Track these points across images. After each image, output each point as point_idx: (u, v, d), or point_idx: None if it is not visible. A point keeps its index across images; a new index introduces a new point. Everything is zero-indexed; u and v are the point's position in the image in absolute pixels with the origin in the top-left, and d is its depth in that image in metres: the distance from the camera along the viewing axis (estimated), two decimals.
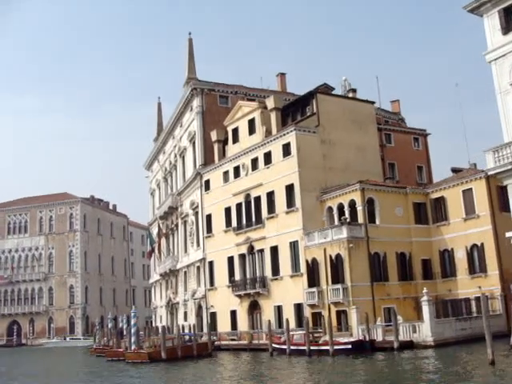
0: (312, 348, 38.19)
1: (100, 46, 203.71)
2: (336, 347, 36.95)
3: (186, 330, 57.59)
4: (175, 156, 72.64)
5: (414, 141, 61.37)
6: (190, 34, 69.38)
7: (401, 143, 60.16)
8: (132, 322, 45.86)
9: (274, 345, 41.69)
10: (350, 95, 57.41)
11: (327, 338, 38.35)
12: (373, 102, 55.92)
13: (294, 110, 53.97)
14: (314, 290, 45.10)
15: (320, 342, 39.36)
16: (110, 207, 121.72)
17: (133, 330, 45.02)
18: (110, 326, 64.75)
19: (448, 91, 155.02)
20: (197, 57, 70.23)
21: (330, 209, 48.31)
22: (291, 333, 41.26)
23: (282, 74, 68.91)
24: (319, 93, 51.96)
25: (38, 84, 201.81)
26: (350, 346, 37.03)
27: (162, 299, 77.94)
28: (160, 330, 42.80)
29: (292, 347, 39.99)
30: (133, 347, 44.33)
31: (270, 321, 43.39)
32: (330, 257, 44.55)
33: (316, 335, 40.94)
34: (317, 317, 45.09)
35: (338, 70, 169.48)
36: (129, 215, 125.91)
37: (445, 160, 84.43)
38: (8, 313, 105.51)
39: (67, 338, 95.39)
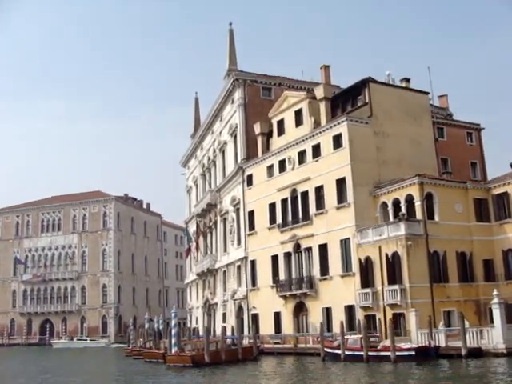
0: (370, 354, 35.05)
1: (131, 46, 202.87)
2: (398, 353, 33.77)
3: (228, 333, 54.50)
4: (214, 151, 69.96)
5: (468, 135, 57.68)
6: (230, 24, 66.96)
7: (454, 138, 56.49)
8: (172, 322, 43.15)
9: (326, 349, 38.59)
10: (403, 85, 53.92)
11: (387, 342, 35.26)
12: (427, 93, 52.63)
13: (343, 100, 50.90)
14: (368, 290, 41.91)
15: (379, 347, 36.18)
16: (144, 206, 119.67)
17: (173, 332, 42.27)
18: (146, 326, 62.07)
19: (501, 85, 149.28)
20: (236, 50, 67.47)
21: (385, 204, 45.09)
22: (345, 336, 38.18)
23: (326, 67, 65.34)
24: (372, 81, 48.73)
25: (67, 88, 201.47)
26: (413, 353, 33.81)
27: (198, 300, 75.31)
28: (203, 331, 39.95)
29: (347, 352, 36.93)
30: (173, 350, 41.56)
31: (321, 323, 40.30)
32: (386, 255, 41.32)
33: (371, 339, 37.76)
34: (370, 320, 41.93)
35: (381, 64, 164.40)
36: (162, 215, 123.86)
37: (497, 155, 79.17)
38: (41, 311, 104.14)
39: (74, 339, 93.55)
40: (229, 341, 44.86)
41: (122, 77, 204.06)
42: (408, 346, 35.12)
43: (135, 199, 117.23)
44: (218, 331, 54.24)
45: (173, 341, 41.93)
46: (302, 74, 68.79)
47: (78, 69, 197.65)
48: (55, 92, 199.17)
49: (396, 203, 44.02)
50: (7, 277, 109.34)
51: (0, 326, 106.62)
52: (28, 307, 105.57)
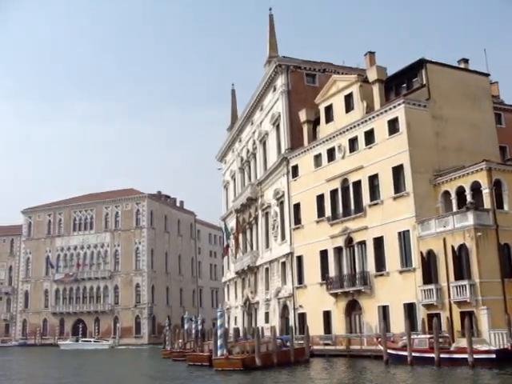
0: (442, 356, 31.46)
1: (163, 45, 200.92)
2: (475, 356, 30.14)
3: (267, 333, 50.96)
4: (254, 143, 66.72)
5: None
6: (270, 9, 63.98)
7: None
8: (218, 322, 39.86)
9: (389, 351, 35.05)
10: (462, 66, 50.11)
11: (460, 344, 31.67)
12: (487, 74, 48.81)
13: (397, 82, 47.29)
14: (432, 287, 38.18)
15: (451, 348, 32.56)
16: (177, 204, 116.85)
17: (219, 332, 38.97)
18: (186, 327, 58.87)
19: None
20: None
21: (447, 193, 41.38)
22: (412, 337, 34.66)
23: (371, 53, 61.84)
24: (429, 62, 45.04)
25: (99, 90, 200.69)
26: (493, 356, 30.22)
27: (237, 299, 72.06)
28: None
29: (414, 354, 33.44)
30: (219, 352, 38.28)
31: (383, 323, 36.58)
32: (452, 248, 37.57)
33: (440, 340, 34.13)
34: (433, 319, 38.22)
35: (426, 49, 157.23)
36: (196, 213, 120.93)
37: None
38: (73, 311, 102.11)
39: (80, 340, 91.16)
40: (279, 341, 41.55)
41: (154, 76, 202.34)
42: (485, 348, 31.49)
43: (168, 197, 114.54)
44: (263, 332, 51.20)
45: (219, 342, 38.64)
46: (344, 64, 65.39)
47: (111, 70, 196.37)
48: (87, 94, 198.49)
49: (460, 192, 40.31)
50: (39, 276, 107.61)
51: (32, 326, 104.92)
52: (60, 307, 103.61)
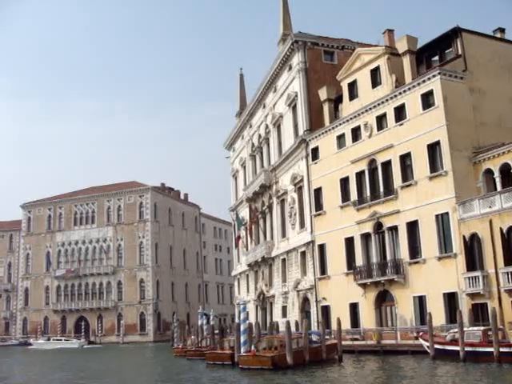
0: (502, 350, 27.78)
1: (165, 47, 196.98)
2: None
3: (283, 328, 47.03)
4: (267, 127, 62.93)
5: None
6: None
7: None
8: (241, 316, 36.28)
9: (436, 346, 31.37)
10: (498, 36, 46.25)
11: None
12: None
13: (429, 54, 43.53)
14: (478, 274, 34.48)
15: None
16: (181, 197, 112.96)
17: (242, 327, 35.30)
18: (200, 322, 55.01)
19: None
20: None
21: (489, 172, 37.73)
22: (456, 330, 31.04)
23: (390, 31, 57.94)
24: (465, 31, 41.33)
25: (101, 87, 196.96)
26: None
27: (249, 293, 68.29)
28: (283, 326, 32.85)
29: (467, 349, 29.82)
30: (242, 349, 34.60)
31: (430, 314, 32.73)
32: (501, 230, 33.86)
33: (489, 333, 30.51)
34: (479, 309, 34.63)
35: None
36: (200, 207, 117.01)
37: None
38: (75, 308, 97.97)
39: (51, 339, 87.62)
40: (313, 337, 37.89)
41: (159, 73, 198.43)
42: None
43: (172, 189, 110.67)
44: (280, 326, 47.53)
45: (242, 338, 35.00)
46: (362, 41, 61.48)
47: (114, 68, 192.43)
48: (90, 92, 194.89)
49: (505, 169, 36.71)
50: (40, 272, 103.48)
51: (33, 324, 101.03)
52: (62, 304, 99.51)
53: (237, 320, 72.79)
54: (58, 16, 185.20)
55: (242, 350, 34.73)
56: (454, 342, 30.41)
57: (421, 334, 33.64)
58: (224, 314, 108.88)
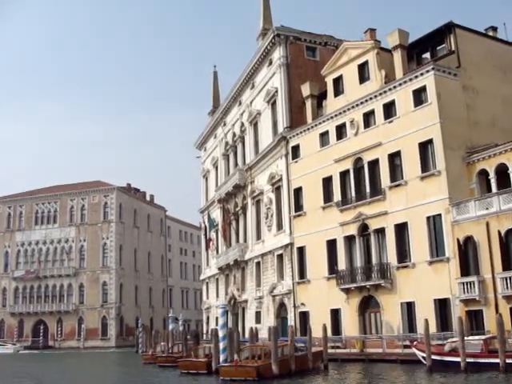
0: (508, 361, 25.76)
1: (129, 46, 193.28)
2: None
3: (264, 336, 44.51)
4: (242, 125, 60.53)
5: None
6: None
7: None
8: (220, 321, 33.57)
9: (433, 356, 29.17)
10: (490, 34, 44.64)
11: None
12: None
13: (419, 51, 41.74)
14: (474, 279, 32.54)
15: None
16: (147, 198, 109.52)
17: (221, 334, 32.50)
18: (171, 327, 51.87)
19: None
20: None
21: (483, 173, 35.96)
22: (455, 339, 29.02)
23: (372, 30, 55.87)
24: (458, 27, 39.62)
25: (68, 90, 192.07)
26: None
27: (218, 297, 65.66)
28: (271, 332, 30.18)
29: (451, 359, 28.01)
30: (221, 357, 31.87)
31: (426, 320, 30.54)
32: (499, 233, 32.01)
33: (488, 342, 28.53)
34: (473, 317, 32.69)
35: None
36: (166, 209, 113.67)
37: None
38: (34, 311, 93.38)
39: None
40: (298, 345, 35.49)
41: (127, 76, 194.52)
42: None
43: (138, 190, 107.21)
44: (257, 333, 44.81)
45: (221, 346, 32.31)
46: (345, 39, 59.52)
47: (79, 71, 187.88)
48: (54, 93, 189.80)
49: (501, 170, 34.93)
50: None
51: None
52: (20, 307, 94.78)
53: (205, 326, 70.21)
54: (23, 17, 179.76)
55: (221, 358, 32.07)
56: (453, 352, 28.24)
57: (415, 342, 31.44)
58: (188, 320, 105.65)
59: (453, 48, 39.11)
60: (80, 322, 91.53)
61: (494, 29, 43.78)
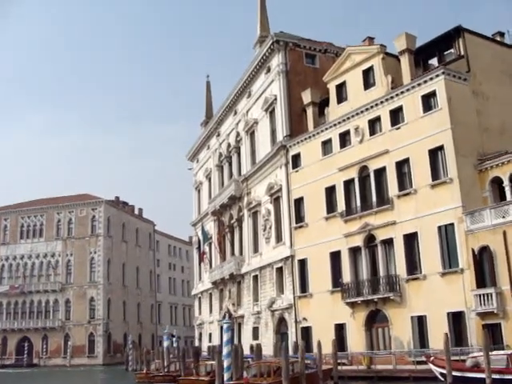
0: None
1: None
2: None
3: (265, 352, 42.38)
4: (238, 135, 58.91)
5: None
6: None
7: None
8: (224, 338, 31.64)
9: (454, 372, 27.47)
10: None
11: None
12: None
13: (426, 55, 40.44)
14: (491, 291, 30.96)
15: None
16: (136, 212, 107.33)
17: (225, 351, 30.66)
18: (166, 344, 49.62)
19: None
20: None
21: (497, 180, 34.56)
22: (476, 354, 27.36)
23: (371, 39, 54.99)
24: (467, 31, 38.40)
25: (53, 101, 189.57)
26: None
27: (212, 313, 63.69)
28: (281, 348, 28.35)
29: (474, 375, 26.18)
30: (225, 376, 30.00)
31: (446, 334, 28.89)
32: None
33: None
34: (489, 331, 31.02)
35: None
36: (155, 223, 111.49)
37: None
38: (18, 328, 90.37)
39: None
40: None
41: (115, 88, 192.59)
42: None
43: (126, 204, 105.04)
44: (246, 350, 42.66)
45: (225, 363, 30.43)
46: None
47: (66, 81, 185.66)
48: (40, 105, 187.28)
49: None
50: None
51: None
52: (3, 323, 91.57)
53: (197, 342, 67.94)
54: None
55: (225, 376, 30.19)
56: (475, 367, 26.56)
57: (432, 358, 29.71)
58: (178, 337, 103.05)
59: (462, 53, 37.86)
60: (66, 338, 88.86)
61: (501, 34, 42.64)
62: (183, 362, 39.70)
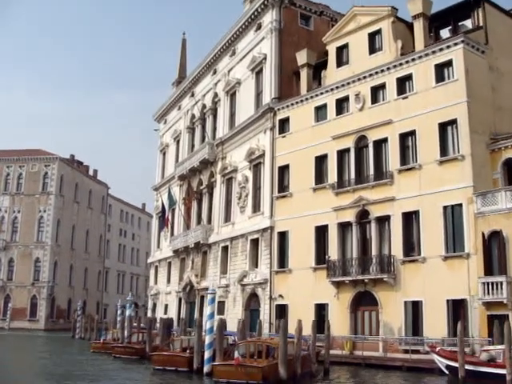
0: None
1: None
2: None
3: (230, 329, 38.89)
4: (216, 96, 55.11)
5: None
6: None
7: None
8: (208, 310, 28.15)
9: (466, 366, 24.72)
10: None
11: None
12: None
13: (439, 24, 37.40)
14: (502, 279, 28.36)
15: None
16: (91, 173, 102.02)
17: (208, 325, 27.04)
18: (128, 313, 45.64)
19: None
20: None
21: (508, 163, 31.97)
22: (492, 348, 24.73)
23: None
24: (487, 1, 35.55)
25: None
26: None
27: (170, 283, 60.09)
28: (282, 327, 25.02)
29: (491, 370, 23.53)
30: (206, 354, 26.47)
31: (460, 322, 26.15)
32: None
33: None
34: (494, 322, 28.39)
35: None
36: (109, 186, 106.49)
37: None
38: None
39: None
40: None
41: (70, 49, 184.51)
42: None
43: (81, 163, 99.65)
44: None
45: (207, 339, 26.98)
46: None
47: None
48: None
49: None
50: None
51: None
52: None
53: (150, 313, 64.09)
54: None
55: (206, 354, 26.75)
56: (490, 362, 23.88)
57: (437, 349, 26.91)
58: (123, 306, 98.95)
59: (481, 23, 34.98)
60: (6, 300, 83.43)
61: None
62: (149, 334, 36.03)
